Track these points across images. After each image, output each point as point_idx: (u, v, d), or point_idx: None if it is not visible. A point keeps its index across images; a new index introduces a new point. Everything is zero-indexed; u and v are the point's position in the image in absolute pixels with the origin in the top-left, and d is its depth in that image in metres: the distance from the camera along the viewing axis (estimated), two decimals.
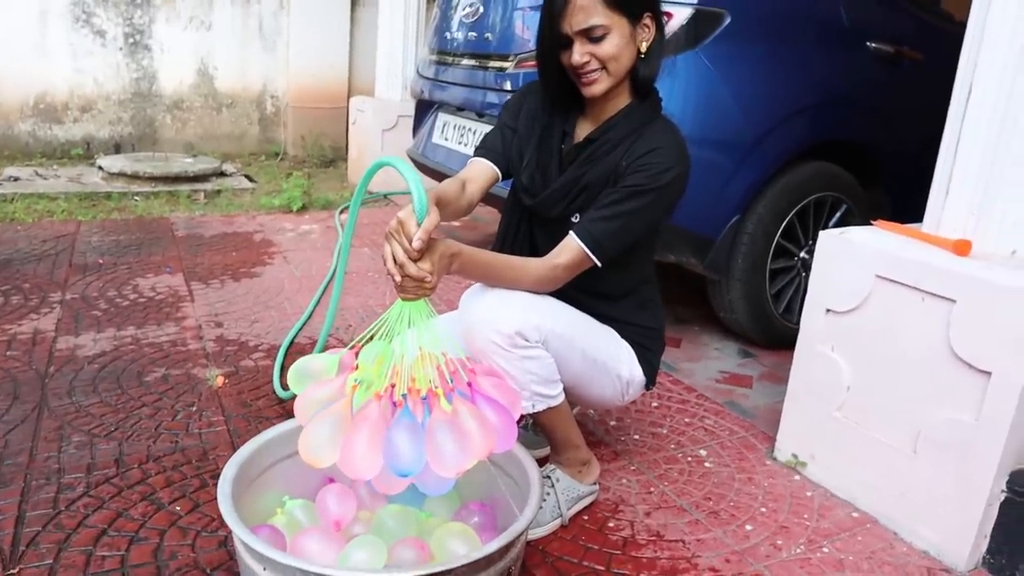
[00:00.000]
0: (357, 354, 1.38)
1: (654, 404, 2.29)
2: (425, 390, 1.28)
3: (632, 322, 1.71)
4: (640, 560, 1.58)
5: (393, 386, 1.29)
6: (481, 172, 1.67)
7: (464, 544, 1.36)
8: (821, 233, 1.91)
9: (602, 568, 1.55)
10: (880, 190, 2.95)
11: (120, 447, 1.87)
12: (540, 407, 1.56)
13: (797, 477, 1.94)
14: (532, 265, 1.53)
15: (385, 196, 4.87)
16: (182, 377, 2.26)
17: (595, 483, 1.76)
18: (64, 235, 3.66)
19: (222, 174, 5.31)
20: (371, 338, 1.35)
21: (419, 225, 1.26)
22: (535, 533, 1.62)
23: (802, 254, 2.80)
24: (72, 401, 2.08)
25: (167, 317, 2.72)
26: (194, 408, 2.09)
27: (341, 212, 4.43)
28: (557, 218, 1.64)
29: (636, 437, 2.09)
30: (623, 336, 1.70)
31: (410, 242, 1.26)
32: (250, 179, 5.36)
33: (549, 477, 1.67)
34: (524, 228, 1.73)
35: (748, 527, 1.72)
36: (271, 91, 6.48)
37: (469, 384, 1.33)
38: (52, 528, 1.56)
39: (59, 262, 3.25)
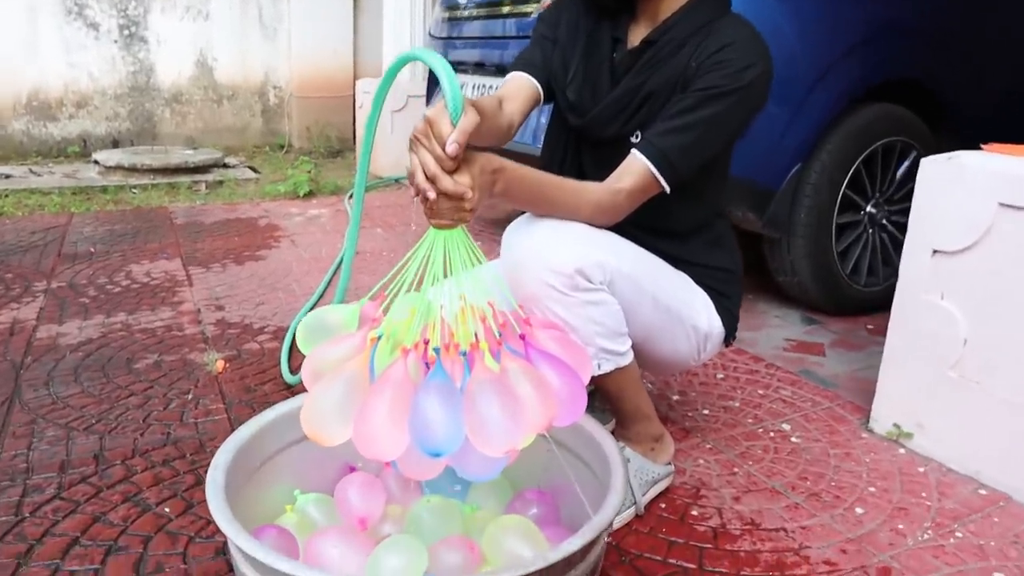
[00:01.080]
0: (384, 305, 1.10)
1: (719, 376, 1.99)
2: (466, 344, 0.99)
3: (705, 263, 1.42)
4: (738, 554, 1.28)
5: (427, 342, 1.00)
6: (520, 88, 1.38)
7: (524, 541, 1.07)
8: (923, 161, 1.61)
9: (693, 566, 1.25)
10: (950, 135, 2.63)
11: (102, 441, 1.59)
12: (607, 367, 1.26)
13: (902, 451, 1.63)
14: (591, 189, 1.23)
15: (396, 180, 4.58)
16: (177, 363, 1.98)
17: (670, 463, 1.46)
18: (55, 227, 3.39)
19: (225, 165, 5.05)
20: (396, 287, 1.06)
21: (454, 125, 0.97)
22: None
23: (869, 208, 2.49)
24: (49, 392, 1.80)
25: (162, 302, 2.44)
26: (190, 396, 1.80)
27: (350, 197, 4.15)
28: (612, 139, 1.34)
29: (705, 412, 1.79)
30: (695, 281, 1.41)
31: (443, 147, 0.97)
32: (254, 170, 5.09)
33: None
34: (571, 156, 1.44)
35: (858, 510, 1.42)
36: (273, 81, 6.20)
37: (523, 337, 1.03)
38: (12, 539, 1.28)
39: (47, 252, 2.98)
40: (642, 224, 1.33)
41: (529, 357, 1.03)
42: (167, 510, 1.36)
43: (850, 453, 1.62)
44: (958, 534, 1.35)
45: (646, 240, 1.35)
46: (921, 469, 1.57)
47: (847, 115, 2.34)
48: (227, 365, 1.96)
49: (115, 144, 5.67)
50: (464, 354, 0.99)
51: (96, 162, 4.78)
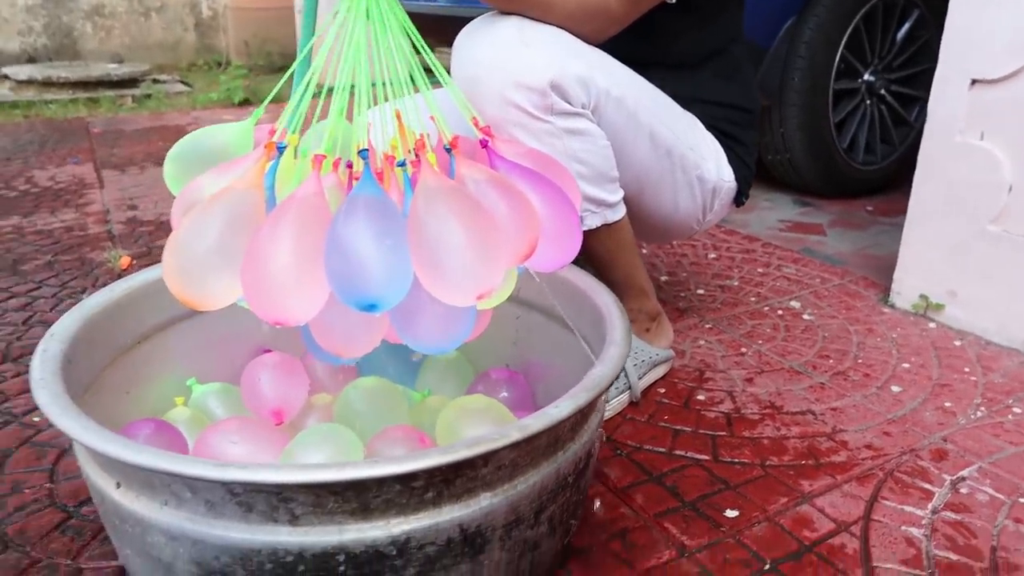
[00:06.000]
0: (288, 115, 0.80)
1: (711, 255, 1.73)
2: (405, 152, 0.71)
3: (716, 100, 1.14)
4: (759, 442, 1.04)
5: (349, 165, 0.72)
6: None
7: (493, 427, 0.80)
8: None
9: (706, 458, 1.00)
10: None
11: None
12: (593, 221, 0.99)
13: (932, 325, 1.40)
14: None
15: None
16: (73, 263, 1.66)
17: (669, 348, 1.20)
18: None
19: (155, 80, 4.60)
20: (305, 82, 0.76)
21: None
22: None
23: (867, 75, 2.22)
24: None
25: (66, 204, 2.10)
26: (85, 295, 1.50)
27: None
28: None
29: (700, 292, 1.54)
30: (704, 124, 1.13)
31: None
32: (187, 84, 4.66)
33: None
34: None
35: (894, 388, 1.18)
36: None
37: (484, 145, 0.75)
38: None
39: None
40: (639, 54, 1.04)
41: (495, 167, 0.75)
42: (36, 420, 1.07)
43: (873, 329, 1.39)
44: (1016, 410, 1.13)
45: (644, 73, 1.07)
46: (957, 343, 1.33)
47: None
48: (134, 261, 1.65)
49: (31, 62, 5.16)
50: (402, 165, 0.70)
51: (6, 76, 4.31)
